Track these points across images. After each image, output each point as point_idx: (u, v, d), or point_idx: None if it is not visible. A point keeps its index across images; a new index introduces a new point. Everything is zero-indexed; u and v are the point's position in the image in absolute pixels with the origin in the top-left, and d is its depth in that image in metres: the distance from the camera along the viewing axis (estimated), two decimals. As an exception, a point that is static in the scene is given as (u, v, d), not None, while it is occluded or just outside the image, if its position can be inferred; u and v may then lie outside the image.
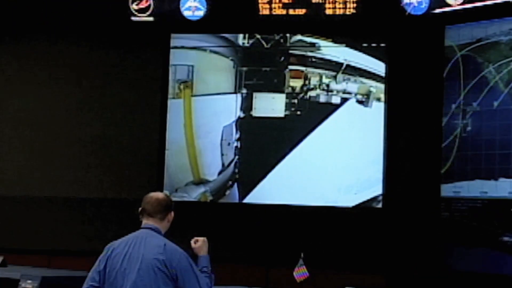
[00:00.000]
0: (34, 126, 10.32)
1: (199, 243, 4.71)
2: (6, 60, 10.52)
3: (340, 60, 9.55)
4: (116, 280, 4.49)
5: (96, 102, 10.23)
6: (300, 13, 9.46)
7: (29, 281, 6.11)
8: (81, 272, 5.43)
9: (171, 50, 10.08)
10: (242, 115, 9.83)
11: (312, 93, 9.64)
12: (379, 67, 9.41)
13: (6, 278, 6.38)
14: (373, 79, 9.44)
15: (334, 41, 9.62)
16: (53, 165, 10.19)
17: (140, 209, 4.62)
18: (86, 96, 10.25)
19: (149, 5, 9.84)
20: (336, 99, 9.57)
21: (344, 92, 9.54)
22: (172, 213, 4.66)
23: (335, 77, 9.57)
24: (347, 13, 9.28)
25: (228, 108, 9.87)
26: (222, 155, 9.83)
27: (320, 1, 9.33)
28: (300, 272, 6.04)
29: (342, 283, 5.73)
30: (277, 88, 9.74)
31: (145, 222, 4.61)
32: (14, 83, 10.45)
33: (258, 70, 9.83)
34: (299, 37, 9.74)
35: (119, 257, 4.52)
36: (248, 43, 9.89)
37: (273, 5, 9.49)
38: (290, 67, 9.72)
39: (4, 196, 10.22)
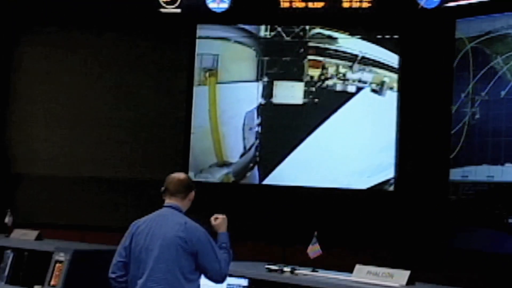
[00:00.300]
0: (69, 112, 10.42)
1: (219, 220, 4.73)
2: (45, 49, 10.62)
3: (356, 52, 9.54)
4: (141, 255, 4.54)
5: (127, 89, 10.29)
6: (319, 6, 9.47)
7: (62, 254, 6.16)
8: (110, 246, 5.49)
9: (197, 40, 10.11)
10: (263, 101, 9.86)
11: (329, 82, 9.64)
12: (392, 59, 9.39)
13: (41, 251, 6.45)
14: (387, 70, 9.42)
15: (350, 34, 9.60)
16: (86, 148, 10.29)
17: (162, 188, 4.67)
18: (117, 83, 10.32)
19: (177, -2, 9.90)
20: (351, 88, 9.56)
21: (359, 81, 9.53)
22: (193, 192, 4.69)
23: (351, 67, 9.56)
24: (363, 6, 9.27)
25: (250, 95, 9.89)
26: (244, 139, 9.87)
27: (338, -5, 9.35)
28: (314, 250, 6.03)
29: (354, 261, 5.73)
30: (296, 77, 9.75)
31: (168, 201, 4.65)
32: (53, 70, 10.55)
33: (278, 60, 9.84)
34: (317, 30, 9.72)
35: (143, 234, 4.57)
36: (269, 35, 9.90)
37: (293, -2, 9.51)
38: (309, 57, 9.72)
39: (41, 176, 10.36)
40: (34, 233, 7.07)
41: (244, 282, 5.43)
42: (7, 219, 7.62)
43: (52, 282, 6.09)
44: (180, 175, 4.73)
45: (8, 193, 10.21)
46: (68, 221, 9.83)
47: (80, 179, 10.22)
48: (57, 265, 6.13)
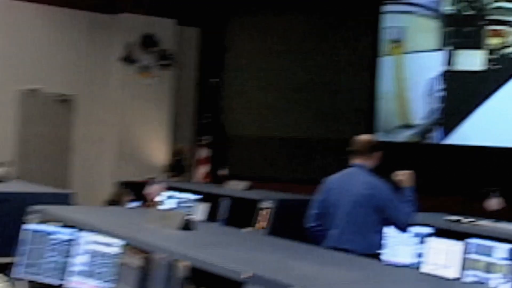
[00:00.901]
0: (271, 83, 10.65)
1: (405, 176, 4.62)
2: (251, 30, 10.92)
3: (536, 22, 8.87)
4: (334, 210, 4.57)
5: (322, 60, 10.34)
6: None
7: (268, 202, 6.35)
8: (308, 196, 5.56)
9: (384, 15, 9.91)
10: (445, 69, 9.48)
11: (508, 50, 9.05)
12: None
13: (250, 199, 6.69)
14: None
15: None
16: (286, 112, 10.50)
17: (350, 149, 4.64)
18: (311, 55, 10.38)
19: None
20: (531, 54, 8.93)
21: (539, 48, 8.86)
22: (379, 153, 4.63)
23: (530, 35, 8.91)
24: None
25: (433, 63, 9.55)
26: (427, 103, 9.57)
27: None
28: (494, 204, 5.78)
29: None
30: (477, 45, 9.25)
31: (355, 160, 4.63)
32: (257, 47, 10.82)
33: (460, 30, 9.39)
34: (498, 4, 9.12)
35: (335, 191, 4.60)
36: (451, 9, 9.45)
37: (475, -28, 8.99)
38: (489, 27, 9.17)
39: (250, 136, 10.73)
40: (245, 184, 7.33)
41: (430, 230, 5.31)
42: (223, 172, 8.01)
43: (260, 226, 6.30)
44: (366, 137, 4.69)
45: (224, 151, 10.68)
46: (273, 174, 10.12)
47: (281, 138, 10.46)
48: (264, 211, 6.32)
